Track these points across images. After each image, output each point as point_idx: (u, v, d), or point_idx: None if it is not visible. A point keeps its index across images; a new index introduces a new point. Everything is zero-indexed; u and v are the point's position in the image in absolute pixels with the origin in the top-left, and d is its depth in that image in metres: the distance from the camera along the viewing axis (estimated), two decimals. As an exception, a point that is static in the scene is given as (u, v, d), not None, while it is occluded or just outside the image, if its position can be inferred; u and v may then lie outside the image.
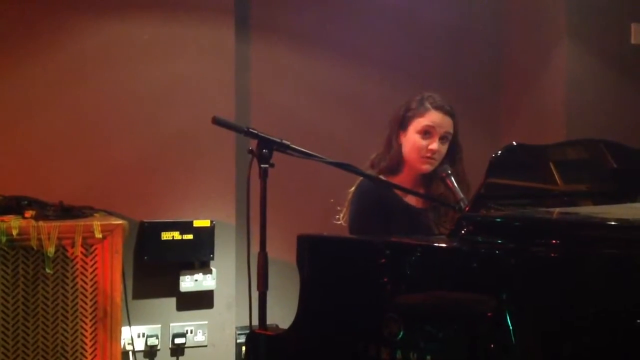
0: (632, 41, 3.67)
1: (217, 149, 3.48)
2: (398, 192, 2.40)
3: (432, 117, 2.36)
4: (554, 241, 1.53)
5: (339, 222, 2.48)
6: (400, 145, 2.40)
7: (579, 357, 1.44)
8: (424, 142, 2.35)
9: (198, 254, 3.41)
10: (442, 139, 2.37)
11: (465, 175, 2.40)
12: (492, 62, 4.10)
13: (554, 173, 1.99)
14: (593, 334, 1.43)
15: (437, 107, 2.37)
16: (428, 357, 1.58)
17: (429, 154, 2.35)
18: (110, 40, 3.38)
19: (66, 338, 2.84)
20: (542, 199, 2.03)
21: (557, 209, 1.93)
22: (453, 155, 2.41)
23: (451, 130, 2.39)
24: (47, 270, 2.79)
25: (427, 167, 2.38)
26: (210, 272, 3.44)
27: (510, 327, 1.48)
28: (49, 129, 3.29)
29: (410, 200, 2.42)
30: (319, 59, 3.82)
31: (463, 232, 1.69)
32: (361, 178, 2.40)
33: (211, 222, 3.41)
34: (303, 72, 3.79)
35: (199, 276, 3.42)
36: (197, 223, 3.40)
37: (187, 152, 3.47)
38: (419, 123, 2.37)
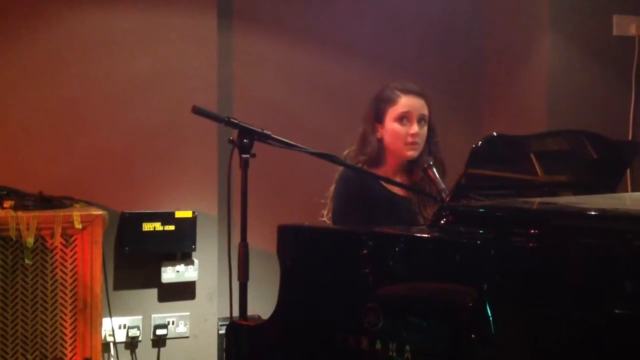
0: (614, 32, 3.68)
1: (199, 139, 3.45)
2: (382, 181, 2.40)
3: (405, 102, 2.38)
4: (533, 231, 1.53)
5: (323, 219, 2.49)
6: (379, 139, 2.42)
7: (558, 347, 1.44)
8: (403, 129, 2.37)
9: (180, 245, 3.39)
10: (419, 121, 2.39)
11: (442, 159, 2.43)
12: (474, 53, 4.10)
13: (535, 164, 1.99)
14: (572, 323, 1.44)
15: (407, 92, 2.40)
16: (407, 347, 1.58)
17: (411, 139, 2.37)
18: (90, 28, 3.34)
19: (46, 329, 2.82)
20: (522, 190, 2.04)
21: (538, 199, 1.93)
22: (429, 139, 2.43)
23: (426, 112, 2.41)
24: (26, 261, 2.76)
25: (412, 154, 2.39)
26: (192, 263, 3.43)
27: (491, 317, 1.48)
28: (29, 119, 3.25)
29: (394, 189, 2.42)
30: (302, 50, 3.81)
31: (444, 222, 1.69)
32: (341, 170, 2.41)
33: (193, 213, 3.40)
34: (286, 63, 3.78)
35: (180, 267, 3.41)
36: (179, 214, 3.38)
37: (169, 142, 3.44)
38: (394, 111, 2.39)
